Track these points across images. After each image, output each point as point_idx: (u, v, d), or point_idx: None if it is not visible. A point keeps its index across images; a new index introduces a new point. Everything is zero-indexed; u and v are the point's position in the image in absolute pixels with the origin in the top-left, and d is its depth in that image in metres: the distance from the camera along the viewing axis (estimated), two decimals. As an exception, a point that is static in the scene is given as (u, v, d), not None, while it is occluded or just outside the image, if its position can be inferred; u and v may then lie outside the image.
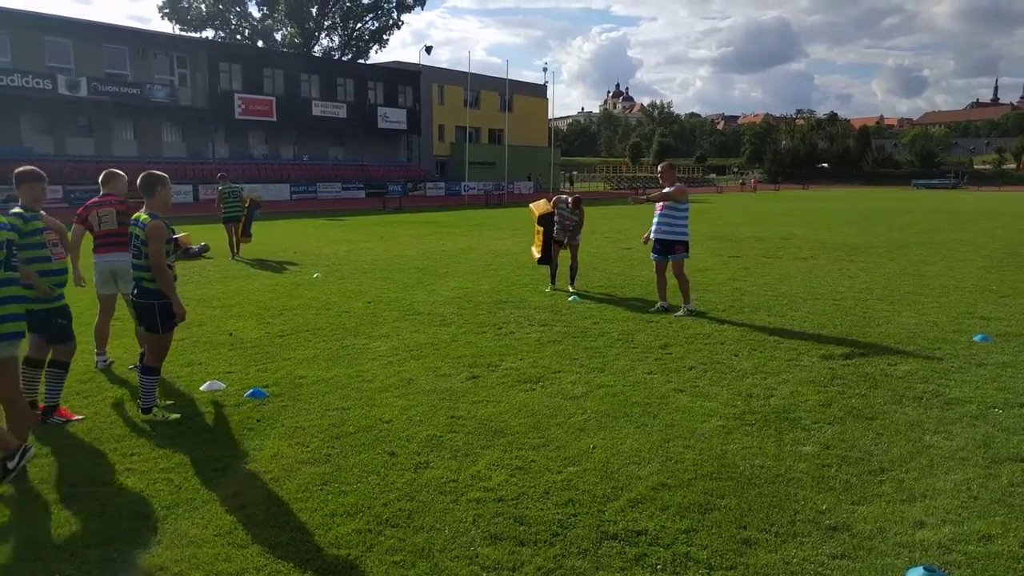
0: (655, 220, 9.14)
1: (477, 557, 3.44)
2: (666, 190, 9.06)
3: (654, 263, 9.31)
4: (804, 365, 6.71)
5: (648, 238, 9.34)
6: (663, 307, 9.26)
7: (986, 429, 5.07)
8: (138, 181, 5.34)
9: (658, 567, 3.37)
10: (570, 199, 10.75)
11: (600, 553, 3.48)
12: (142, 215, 5.31)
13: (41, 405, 5.33)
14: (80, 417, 5.36)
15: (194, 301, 9.62)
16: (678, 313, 8.92)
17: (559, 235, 10.75)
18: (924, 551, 3.49)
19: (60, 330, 5.25)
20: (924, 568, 3.26)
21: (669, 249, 9.05)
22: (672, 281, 9.23)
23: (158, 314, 5.24)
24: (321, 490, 4.14)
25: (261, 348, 7.39)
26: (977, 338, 7.67)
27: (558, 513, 3.86)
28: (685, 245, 9.11)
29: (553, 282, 10.98)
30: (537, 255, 11.17)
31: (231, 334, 8.01)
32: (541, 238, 10.99)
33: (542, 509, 3.91)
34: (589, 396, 5.82)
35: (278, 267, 13.64)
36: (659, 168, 9.63)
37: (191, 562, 3.40)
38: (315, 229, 22.99)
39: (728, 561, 3.41)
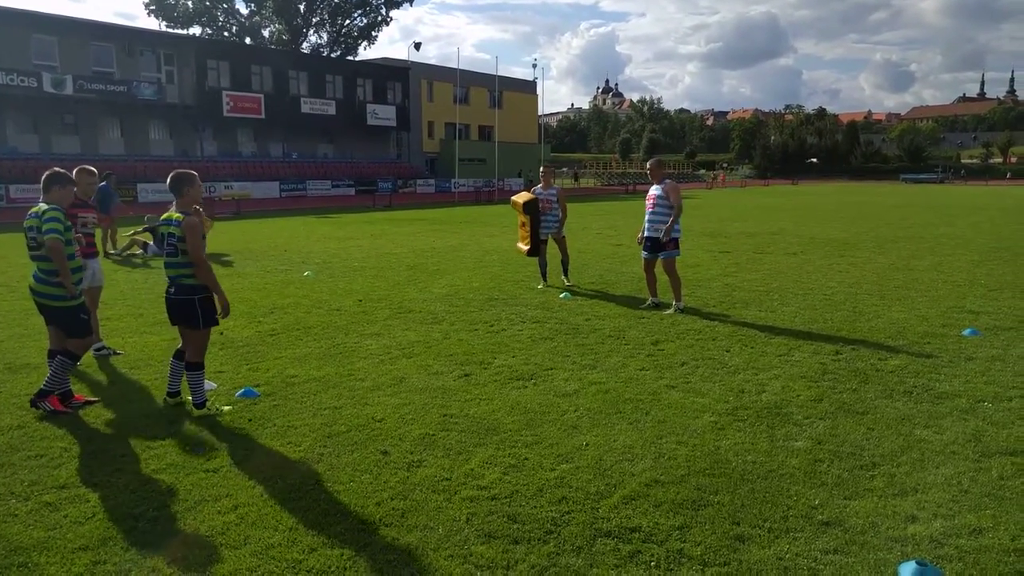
0: (647, 218, 9.05)
1: (471, 556, 3.44)
2: (657, 191, 8.99)
3: (643, 260, 9.25)
4: (795, 360, 6.74)
5: (642, 237, 9.19)
6: (654, 303, 9.25)
7: (976, 423, 5.10)
8: (167, 181, 5.39)
9: (652, 564, 3.37)
10: (541, 169, 11.26)
11: (594, 550, 3.48)
12: (174, 213, 5.29)
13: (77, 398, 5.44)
14: (69, 410, 5.36)
15: (184, 300, 9.56)
16: (668, 311, 8.91)
17: (543, 232, 10.75)
18: (916, 545, 3.51)
19: (82, 325, 5.39)
20: (916, 562, 3.28)
21: (660, 247, 8.94)
22: (662, 278, 9.21)
23: (199, 309, 5.25)
24: (314, 489, 4.13)
25: (252, 347, 7.36)
26: (966, 332, 7.72)
27: (552, 511, 3.86)
28: (676, 243, 9.02)
29: (544, 279, 10.97)
30: (524, 248, 10.86)
31: (221, 333, 7.95)
32: (527, 230, 10.70)
33: (536, 507, 3.91)
34: (581, 393, 5.82)
35: (268, 265, 13.57)
36: (648, 165, 9.51)
37: (183, 563, 3.38)
38: (305, 227, 22.90)
39: (722, 557, 3.41)
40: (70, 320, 5.37)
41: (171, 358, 5.58)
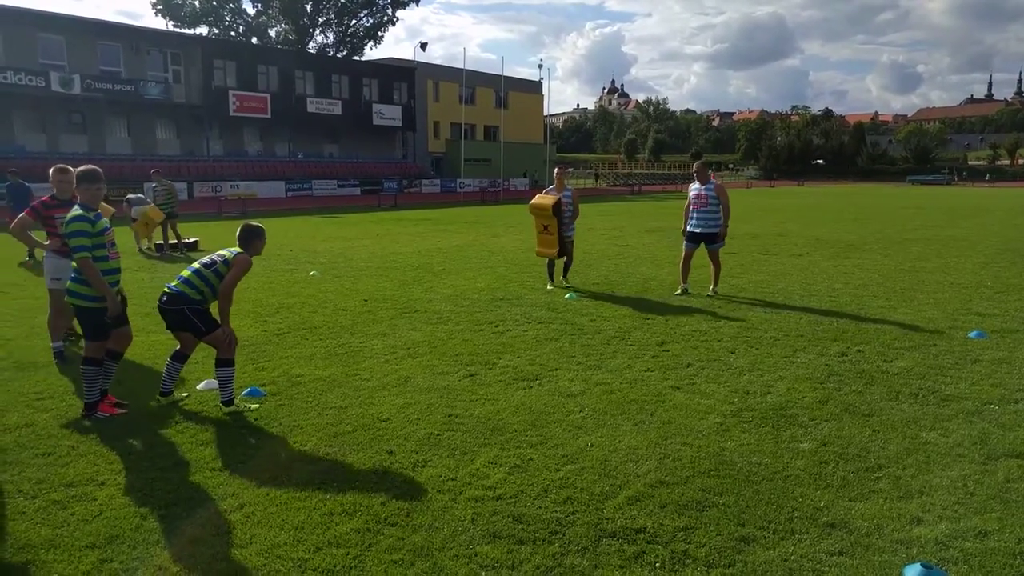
0: (696, 215, 10.04)
1: (476, 556, 3.44)
2: (705, 190, 9.97)
3: (685, 250, 10.19)
4: (801, 362, 6.73)
5: (689, 231, 10.16)
6: (685, 289, 10.15)
7: (982, 425, 5.09)
8: (238, 231, 5.50)
9: (657, 565, 3.37)
10: (556, 170, 11.27)
11: (599, 551, 3.49)
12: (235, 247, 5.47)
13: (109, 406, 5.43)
14: (123, 411, 5.39)
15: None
16: (708, 294, 9.98)
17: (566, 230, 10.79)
18: (921, 548, 3.50)
19: (101, 329, 5.31)
20: (921, 565, 3.28)
21: (711, 239, 10.03)
22: (694, 270, 10.30)
23: (193, 317, 5.31)
24: (319, 489, 4.14)
25: (258, 346, 7.38)
26: (973, 334, 7.70)
27: (557, 511, 3.87)
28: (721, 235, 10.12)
29: (552, 279, 11.00)
30: (553, 250, 10.75)
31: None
32: (551, 232, 10.66)
33: (541, 507, 3.91)
34: (587, 394, 5.82)
35: (274, 264, 13.60)
36: (695, 168, 10.54)
37: (189, 562, 3.39)
38: (310, 226, 22.95)
39: (726, 559, 3.42)
40: (90, 321, 5.27)
41: (168, 359, 5.61)
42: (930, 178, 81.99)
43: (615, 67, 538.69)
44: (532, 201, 10.98)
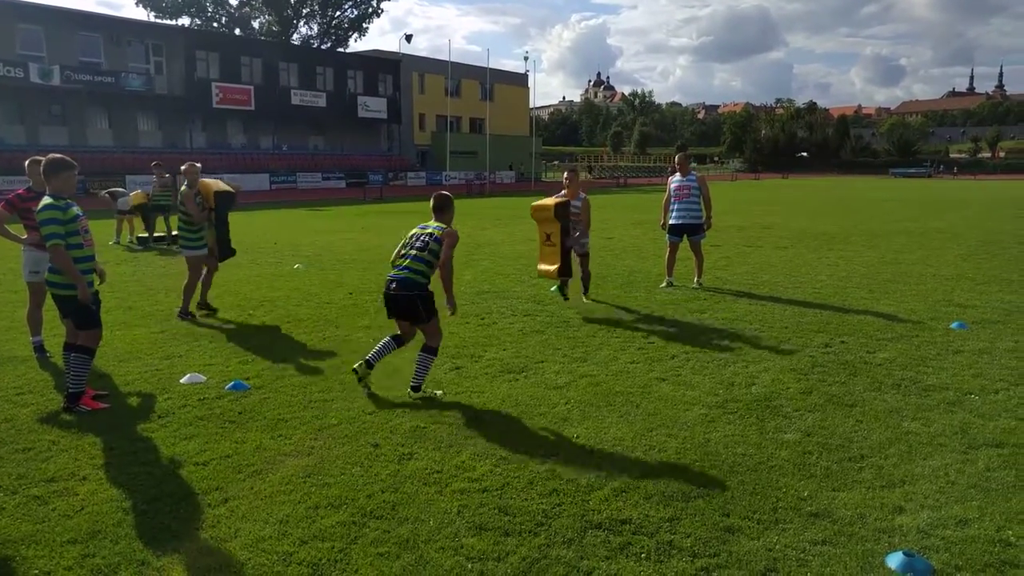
0: (678, 207, 10.05)
1: (462, 548, 3.44)
2: (688, 181, 10.04)
3: (670, 244, 10.19)
4: (785, 353, 6.76)
5: (670, 224, 10.14)
6: (671, 282, 10.20)
7: (963, 415, 5.14)
8: (434, 200, 5.87)
9: (642, 555, 3.39)
10: (565, 173, 9.28)
11: (585, 542, 3.50)
12: (434, 223, 5.76)
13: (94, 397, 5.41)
14: (106, 405, 5.33)
15: (174, 293, 9.52)
16: (693, 286, 10.08)
17: (572, 241, 8.64)
18: (903, 536, 3.54)
19: (91, 316, 5.29)
20: (903, 553, 3.31)
21: (693, 231, 10.06)
22: (678, 262, 10.29)
23: (420, 305, 5.43)
24: (304, 482, 4.12)
25: (242, 340, 7.33)
26: (954, 325, 7.78)
27: (542, 503, 3.87)
28: (703, 227, 10.23)
29: (584, 292, 9.34)
30: (551, 268, 8.57)
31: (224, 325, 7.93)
32: (554, 243, 8.47)
33: (526, 499, 3.92)
34: (572, 386, 5.83)
35: (258, 258, 13.51)
36: (677, 159, 10.56)
37: (173, 556, 3.37)
38: (295, 219, 22.81)
39: (711, 548, 3.43)
40: (79, 310, 5.23)
41: (387, 337, 5.71)
42: (912, 171, 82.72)
43: (601, 59, 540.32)
44: (534, 203, 8.82)
